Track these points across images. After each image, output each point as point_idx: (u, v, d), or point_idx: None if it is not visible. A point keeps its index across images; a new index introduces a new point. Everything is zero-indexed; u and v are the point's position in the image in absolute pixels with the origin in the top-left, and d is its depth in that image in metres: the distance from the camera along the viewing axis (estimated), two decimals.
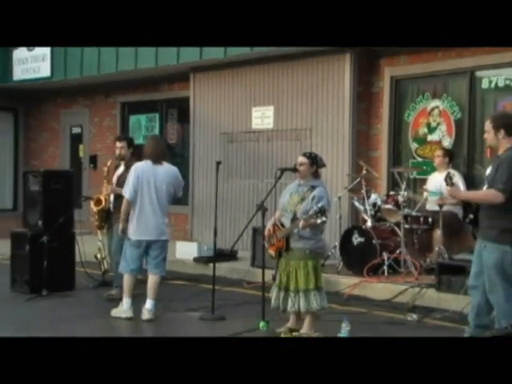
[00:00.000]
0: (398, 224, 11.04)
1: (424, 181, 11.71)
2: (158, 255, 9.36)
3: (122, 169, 10.67)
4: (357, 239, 11.13)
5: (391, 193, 11.55)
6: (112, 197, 10.65)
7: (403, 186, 11.04)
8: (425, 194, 11.20)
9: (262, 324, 8.29)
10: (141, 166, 9.41)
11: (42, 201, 11.08)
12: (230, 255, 12.18)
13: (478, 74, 11.85)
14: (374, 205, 11.38)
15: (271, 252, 8.14)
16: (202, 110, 15.08)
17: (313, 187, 7.89)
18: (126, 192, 9.32)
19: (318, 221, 7.57)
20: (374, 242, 10.86)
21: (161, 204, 9.31)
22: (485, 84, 11.79)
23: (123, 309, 9.33)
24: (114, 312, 9.35)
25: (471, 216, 7.40)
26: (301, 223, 7.70)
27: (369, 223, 11.22)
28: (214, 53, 13.68)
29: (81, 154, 18.45)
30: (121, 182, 10.43)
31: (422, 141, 12.59)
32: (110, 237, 10.84)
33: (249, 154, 14.18)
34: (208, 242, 12.26)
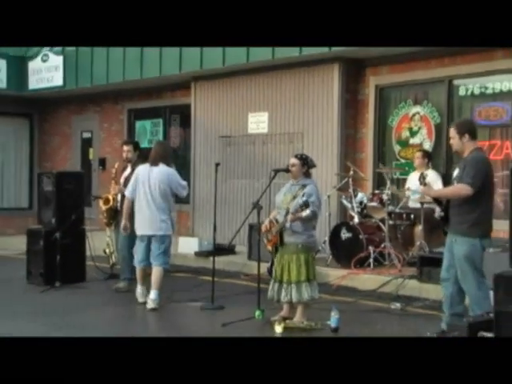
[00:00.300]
0: (382, 220, 11.05)
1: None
2: (157, 249, 9.38)
3: (128, 170, 10.68)
4: (345, 234, 11.12)
5: (376, 191, 11.56)
6: (119, 196, 10.65)
7: (388, 185, 11.08)
8: (407, 193, 11.20)
9: (257, 313, 8.27)
10: (140, 169, 9.61)
11: (54, 200, 11.08)
12: (228, 249, 12.14)
13: (456, 82, 11.83)
14: (361, 203, 11.38)
15: (268, 248, 8.14)
16: (202, 115, 15.06)
17: (304, 185, 7.91)
18: (126, 191, 9.62)
19: (303, 214, 7.63)
20: (360, 236, 10.86)
21: (156, 202, 9.33)
22: (462, 91, 11.77)
23: (137, 295, 9.49)
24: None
25: (441, 213, 7.49)
26: (289, 217, 7.75)
27: (356, 220, 11.21)
28: (214, 63, 13.68)
29: (91, 156, 18.42)
30: (128, 182, 10.46)
31: (404, 144, 12.58)
32: (118, 233, 10.85)
33: (245, 156, 14.16)
34: (208, 238, 12.24)
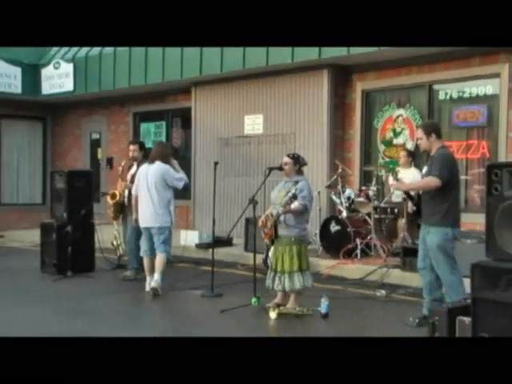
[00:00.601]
0: (368, 214, 11.06)
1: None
2: (157, 239, 9.50)
3: (134, 168, 10.69)
4: (334, 227, 11.13)
5: (363, 188, 11.57)
6: (126, 192, 10.66)
7: (374, 182, 11.12)
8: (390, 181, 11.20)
9: (253, 300, 8.27)
10: (141, 168, 9.79)
11: (66, 196, 11.09)
12: (226, 242, 12.18)
13: (436, 87, 11.85)
14: (349, 198, 11.38)
15: (266, 241, 8.14)
16: (201, 118, 15.04)
17: (296, 182, 7.90)
18: (133, 189, 9.80)
19: (292, 206, 7.68)
20: (348, 229, 10.86)
21: (153, 197, 9.43)
22: (441, 96, 11.79)
23: (146, 284, 9.53)
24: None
25: (414, 207, 7.57)
26: (280, 210, 7.75)
27: (344, 214, 11.21)
28: (212, 69, 13.68)
29: (99, 156, 18.40)
30: (134, 179, 10.48)
31: (388, 144, 12.59)
32: (125, 226, 10.89)
33: (242, 155, 14.15)
34: (207, 231, 12.22)
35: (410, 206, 7.99)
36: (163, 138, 16.62)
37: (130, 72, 15.29)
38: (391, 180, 11.14)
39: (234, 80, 14.06)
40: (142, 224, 9.61)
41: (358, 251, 10.79)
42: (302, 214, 7.92)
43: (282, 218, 7.85)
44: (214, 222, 9.48)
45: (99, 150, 18.42)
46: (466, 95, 11.43)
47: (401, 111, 12.37)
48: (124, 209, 10.79)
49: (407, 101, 12.31)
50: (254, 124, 13.94)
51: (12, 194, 19.00)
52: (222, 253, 11.66)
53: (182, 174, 9.73)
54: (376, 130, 12.79)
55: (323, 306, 7.79)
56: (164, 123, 16.78)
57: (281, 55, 12.41)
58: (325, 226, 11.27)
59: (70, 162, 18.74)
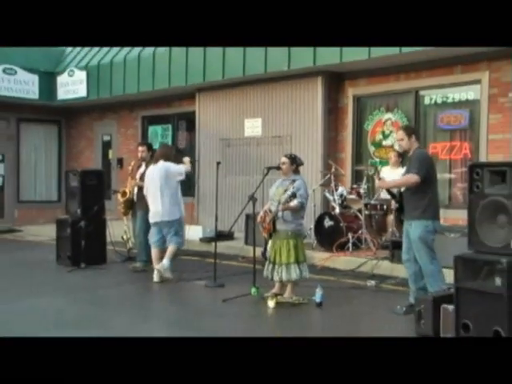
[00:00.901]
0: (359, 210, 11.04)
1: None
2: (168, 232, 9.61)
3: (143, 168, 10.72)
4: (327, 223, 11.11)
5: (354, 186, 11.56)
6: (136, 189, 10.67)
7: (364, 180, 11.12)
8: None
9: (253, 290, 8.27)
10: (149, 169, 9.91)
11: (79, 194, 11.08)
12: (228, 236, 12.15)
13: (422, 93, 11.83)
14: (341, 195, 11.37)
15: (264, 235, 8.14)
16: (205, 121, 15.02)
17: (294, 181, 7.90)
18: (144, 191, 9.92)
19: (291, 204, 7.69)
20: (341, 224, 10.85)
21: (159, 193, 9.54)
22: (427, 101, 11.78)
23: (154, 275, 9.53)
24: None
25: (396, 205, 7.60)
26: (280, 207, 7.75)
27: (337, 210, 11.20)
28: (215, 76, 13.66)
29: (110, 156, 18.36)
30: (143, 178, 10.50)
31: (378, 145, 12.58)
32: (134, 221, 10.88)
33: (242, 155, 14.14)
34: (210, 226, 12.20)
35: (393, 204, 8.01)
36: (169, 140, 16.61)
37: (139, 79, 15.27)
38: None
39: (235, 86, 14.04)
40: (152, 219, 9.68)
41: (350, 244, 10.79)
42: (298, 210, 7.93)
43: (280, 214, 7.85)
44: (216, 218, 9.48)
45: (110, 151, 18.39)
46: (450, 100, 11.42)
47: (389, 115, 12.36)
48: (133, 205, 10.80)
49: (395, 105, 12.30)
50: (253, 127, 13.93)
51: (30, 191, 18.97)
52: (223, 246, 11.66)
53: (180, 168, 9.74)
54: (366, 133, 12.77)
55: (318, 295, 7.79)
56: (170, 126, 16.76)
57: (278, 63, 12.40)
58: (319, 222, 11.26)
59: (83, 162, 18.71)
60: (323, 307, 7.77)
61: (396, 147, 11.89)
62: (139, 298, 8.91)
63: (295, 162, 8.12)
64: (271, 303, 7.80)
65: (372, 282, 9.19)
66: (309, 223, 11.37)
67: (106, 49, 16.60)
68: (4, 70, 16.67)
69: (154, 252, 9.71)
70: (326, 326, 7.38)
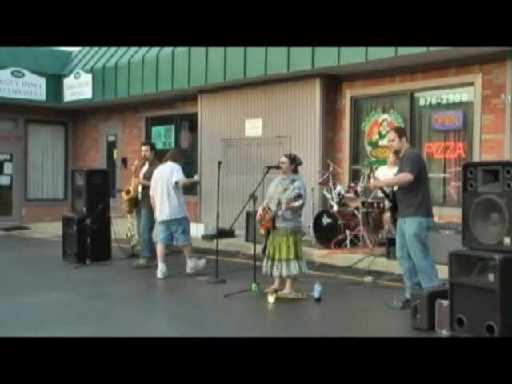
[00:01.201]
0: (357, 208, 11.03)
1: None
2: (176, 230, 9.65)
3: (146, 167, 10.75)
4: (326, 220, 11.11)
5: (351, 184, 11.54)
6: (140, 188, 10.66)
7: (361, 179, 11.11)
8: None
9: (253, 286, 8.26)
10: (157, 169, 9.91)
11: (85, 192, 11.09)
12: (229, 233, 12.18)
13: (417, 94, 11.82)
14: (339, 194, 11.36)
15: (262, 231, 8.13)
16: (207, 122, 15.01)
17: (293, 180, 7.90)
18: (151, 191, 9.88)
19: (296, 203, 7.68)
20: (339, 222, 10.85)
21: (166, 192, 9.55)
22: (421, 102, 11.76)
23: (157, 271, 9.55)
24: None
25: (390, 204, 7.61)
26: (283, 206, 7.74)
27: (335, 208, 11.20)
28: (216, 78, 13.65)
29: (115, 156, 18.35)
30: (146, 176, 10.53)
31: (374, 145, 12.56)
32: (138, 219, 10.89)
33: (243, 155, 14.12)
34: (212, 224, 12.20)
35: (387, 203, 8.03)
36: (172, 141, 16.60)
37: (143, 81, 15.27)
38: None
39: (236, 88, 14.03)
40: (160, 218, 9.67)
41: (348, 242, 10.78)
42: (298, 209, 7.92)
43: (279, 212, 7.84)
44: (217, 216, 9.47)
45: (115, 151, 18.37)
46: (444, 102, 11.41)
47: (385, 116, 12.34)
48: (138, 203, 10.80)
49: (391, 107, 12.28)
50: (253, 127, 13.92)
51: (37, 190, 18.97)
52: (225, 243, 11.64)
53: (178, 174, 9.64)
54: (363, 133, 12.76)
55: (316, 291, 7.78)
56: (173, 127, 16.74)
57: (278, 65, 12.39)
58: (318, 219, 11.25)
59: (89, 162, 18.71)
60: (322, 302, 7.76)
61: None
62: (143, 293, 8.91)
63: (294, 162, 8.11)
64: (271, 298, 7.79)
65: (369, 278, 9.19)
66: (307, 221, 11.37)
67: (111, 52, 16.60)
68: (12, 73, 16.69)
69: (160, 248, 9.67)
70: (324, 321, 7.38)
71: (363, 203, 10.93)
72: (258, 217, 8.12)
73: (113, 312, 7.46)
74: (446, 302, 6.18)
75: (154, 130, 17.23)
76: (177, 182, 9.57)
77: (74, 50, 18.47)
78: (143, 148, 10.84)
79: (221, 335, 6.22)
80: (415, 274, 7.35)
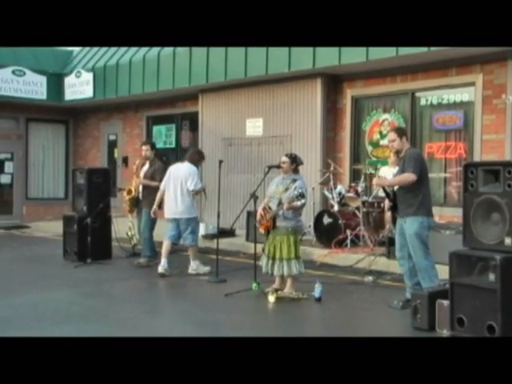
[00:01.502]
0: (357, 208, 11.02)
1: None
2: (185, 230, 9.65)
3: (147, 166, 10.76)
4: (326, 220, 11.10)
5: (352, 184, 11.53)
6: (140, 187, 10.66)
7: (362, 179, 11.12)
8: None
9: (254, 285, 8.26)
10: (173, 166, 9.91)
11: (86, 191, 11.08)
12: (229, 232, 12.17)
13: (418, 94, 11.81)
14: (340, 193, 11.36)
15: (261, 230, 8.12)
16: (208, 121, 15.02)
17: (294, 180, 7.90)
18: (162, 184, 9.83)
19: (299, 203, 7.71)
20: (339, 221, 10.84)
21: (180, 191, 9.54)
22: (422, 102, 11.76)
23: (159, 266, 9.57)
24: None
25: (390, 203, 7.62)
26: (285, 206, 7.73)
27: (335, 208, 11.19)
28: (217, 77, 13.66)
29: (116, 155, 18.35)
30: (147, 176, 10.53)
31: (375, 144, 12.56)
32: (139, 218, 10.87)
33: (244, 154, 14.13)
34: (213, 223, 12.20)
35: (387, 203, 8.04)
36: (173, 140, 16.62)
37: (144, 80, 15.26)
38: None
39: (237, 87, 14.03)
40: (171, 216, 9.66)
41: (348, 241, 10.77)
42: (300, 208, 7.93)
43: (280, 212, 7.84)
44: (218, 215, 9.47)
45: (116, 150, 18.38)
46: (445, 101, 11.41)
47: (386, 116, 12.34)
48: (138, 203, 10.80)
49: (392, 106, 12.28)
50: (254, 127, 13.92)
51: (38, 189, 18.97)
52: (225, 242, 11.64)
53: (198, 183, 9.72)
54: (364, 133, 12.76)
55: (317, 290, 7.77)
56: (174, 126, 16.74)
57: (279, 65, 12.39)
58: (318, 219, 11.25)
59: (89, 161, 18.71)
60: (322, 302, 7.75)
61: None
62: (144, 292, 8.90)
63: (295, 162, 8.11)
64: (271, 298, 7.79)
65: (369, 278, 9.18)
66: (308, 220, 11.37)
67: (112, 51, 16.60)
68: (13, 72, 16.69)
69: (166, 244, 9.66)
70: (324, 321, 7.38)
71: (364, 203, 10.93)
72: (258, 216, 8.12)
73: (113, 311, 7.46)
74: (446, 302, 6.17)
75: (155, 129, 17.23)
76: (191, 191, 9.64)
77: (75, 48, 18.46)
78: (144, 147, 10.84)
79: (221, 335, 6.23)
80: (415, 274, 7.35)
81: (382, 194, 10.92)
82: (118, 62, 16.00)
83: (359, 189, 10.99)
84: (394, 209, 7.59)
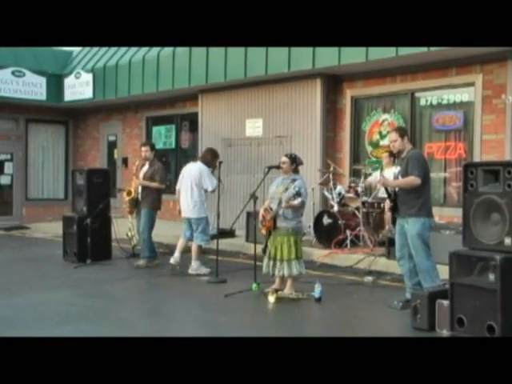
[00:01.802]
0: (357, 208, 11.03)
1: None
2: (196, 229, 9.85)
3: (146, 167, 10.75)
4: (326, 220, 11.10)
5: (352, 184, 11.53)
6: (140, 188, 10.66)
7: (362, 179, 11.12)
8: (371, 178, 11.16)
9: (254, 285, 8.26)
10: (186, 166, 10.19)
11: (86, 192, 11.08)
12: (229, 233, 12.17)
13: (417, 94, 11.82)
14: (339, 194, 11.36)
15: (263, 232, 8.13)
16: (207, 121, 15.02)
17: (294, 180, 7.91)
18: (177, 185, 10.12)
19: (296, 202, 7.68)
20: (339, 222, 10.84)
21: (190, 191, 9.75)
22: (422, 102, 11.76)
23: (171, 258, 9.89)
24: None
25: (391, 204, 7.64)
26: (283, 204, 7.77)
27: (335, 208, 11.19)
28: (217, 78, 13.66)
29: (115, 156, 18.36)
30: (146, 177, 10.53)
31: (375, 145, 12.56)
32: (139, 219, 10.86)
33: (243, 155, 14.13)
34: (213, 223, 12.21)
35: (388, 203, 8.06)
36: (173, 141, 16.62)
37: (144, 81, 15.27)
38: (378, 176, 11.16)
39: (237, 87, 14.03)
40: (183, 214, 9.92)
41: (348, 241, 10.78)
42: (299, 208, 7.93)
43: (280, 211, 7.85)
44: (218, 216, 9.47)
45: (115, 151, 18.38)
46: (445, 102, 11.41)
47: (386, 116, 12.34)
48: (138, 204, 10.80)
49: (392, 106, 12.29)
50: (254, 127, 13.92)
51: (37, 190, 18.98)
52: (225, 243, 11.63)
53: (213, 181, 9.80)
54: (364, 133, 12.76)
55: (317, 290, 7.78)
56: (174, 126, 16.74)
57: (278, 65, 12.40)
58: (318, 219, 11.25)
59: (89, 162, 18.72)
60: (322, 302, 7.76)
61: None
62: (143, 292, 8.91)
63: (295, 162, 8.12)
64: (271, 298, 7.79)
65: (369, 278, 9.18)
66: (308, 221, 11.37)
67: (111, 52, 16.60)
68: (13, 73, 16.70)
69: (181, 241, 10.01)
70: (324, 321, 7.38)
71: (364, 203, 10.94)
72: (260, 217, 8.13)
73: (113, 311, 7.46)
74: (446, 302, 6.17)
75: (155, 129, 17.24)
76: (207, 191, 9.82)
77: (75, 49, 18.48)
78: (143, 148, 10.83)
79: (221, 335, 6.23)
80: (416, 274, 7.36)
81: (383, 194, 10.96)
82: (118, 63, 16.00)
83: (359, 189, 11.00)
84: (394, 209, 7.60)
